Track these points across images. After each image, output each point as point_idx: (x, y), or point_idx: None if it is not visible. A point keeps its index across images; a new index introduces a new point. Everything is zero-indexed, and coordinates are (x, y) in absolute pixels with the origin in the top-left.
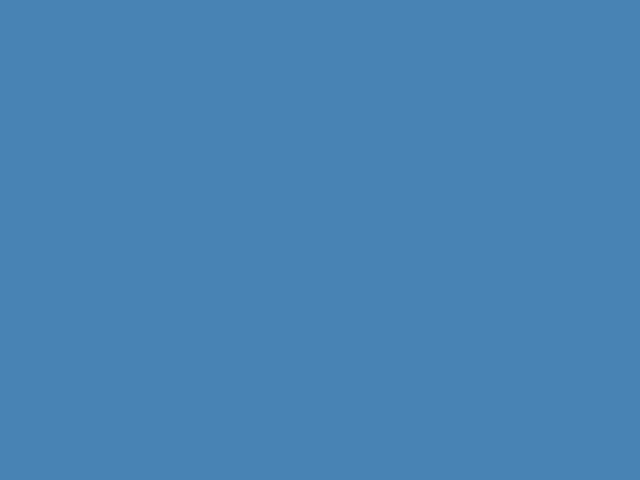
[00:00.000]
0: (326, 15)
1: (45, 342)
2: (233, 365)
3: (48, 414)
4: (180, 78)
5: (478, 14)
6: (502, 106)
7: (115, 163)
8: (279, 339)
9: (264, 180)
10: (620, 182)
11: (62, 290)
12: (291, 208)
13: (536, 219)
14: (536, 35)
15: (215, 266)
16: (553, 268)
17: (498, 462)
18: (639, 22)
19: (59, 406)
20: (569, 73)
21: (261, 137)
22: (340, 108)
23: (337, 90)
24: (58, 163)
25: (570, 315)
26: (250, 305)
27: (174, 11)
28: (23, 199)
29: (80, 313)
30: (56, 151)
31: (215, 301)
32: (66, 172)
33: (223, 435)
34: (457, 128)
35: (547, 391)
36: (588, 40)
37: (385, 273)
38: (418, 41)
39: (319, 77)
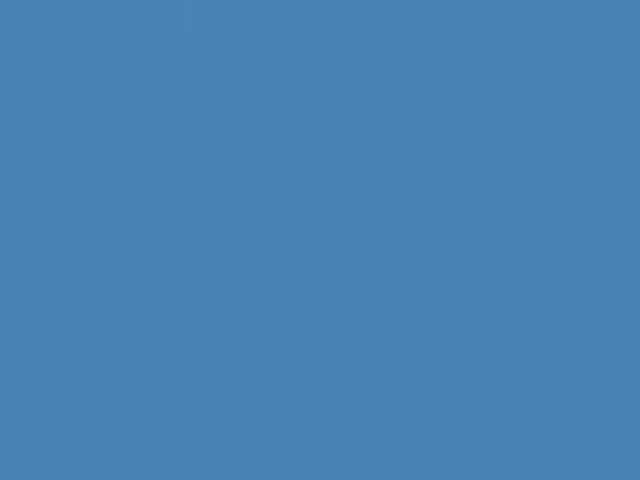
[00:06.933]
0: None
1: (45, 342)
2: (233, 365)
3: (48, 414)
4: (180, 78)
5: (478, 14)
6: (503, 106)
7: (115, 163)
8: (279, 339)
9: (264, 181)
10: (620, 182)
11: (62, 290)
12: (291, 209)
13: (536, 219)
14: (536, 35)
15: (215, 266)
16: (553, 268)
17: (498, 462)
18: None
19: (59, 406)
20: (569, 73)
21: (261, 138)
22: (340, 109)
23: (337, 91)
24: (58, 163)
25: (570, 315)
26: (250, 305)
27: (174, 11)
28: (23, 199)
29: (80, 313)
30: (56, 151)
31: (215, 301)
32: (66, 172)
33: (223, 435)
34: (457, 129)
35: (547, 391)
36: (588, 40)
37: (386, 274)
38: (418, 42)
39: (319, 79)
